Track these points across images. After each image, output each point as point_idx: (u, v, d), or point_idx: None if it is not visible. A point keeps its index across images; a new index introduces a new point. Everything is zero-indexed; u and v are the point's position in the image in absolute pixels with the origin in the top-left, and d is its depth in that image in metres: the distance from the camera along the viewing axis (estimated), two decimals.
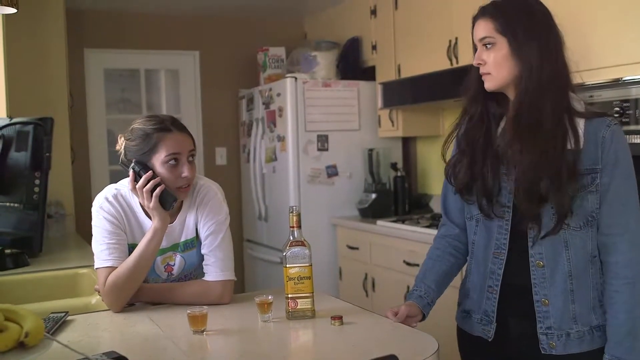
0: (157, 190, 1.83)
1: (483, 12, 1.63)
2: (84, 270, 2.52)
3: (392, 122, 4.16)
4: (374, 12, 4.27)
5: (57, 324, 1.67)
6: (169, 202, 1.85)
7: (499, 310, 1.67)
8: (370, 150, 4.24)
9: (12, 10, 2.71)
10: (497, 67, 1.60)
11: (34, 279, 2.46)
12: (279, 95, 4.27)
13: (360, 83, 4.36)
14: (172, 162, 1.85)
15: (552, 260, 1.59)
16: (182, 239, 1.97)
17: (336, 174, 4.30)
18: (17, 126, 2.51)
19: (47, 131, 2.42)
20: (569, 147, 1.54)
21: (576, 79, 1.64)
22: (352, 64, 4.44)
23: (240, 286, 4.83)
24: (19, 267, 2.54)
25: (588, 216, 1.57)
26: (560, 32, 1.60)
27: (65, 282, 2.48)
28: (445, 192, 1.84)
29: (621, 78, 2.46)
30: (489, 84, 1.63)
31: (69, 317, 1.76)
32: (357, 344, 1.54)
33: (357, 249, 3.98)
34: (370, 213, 4.06)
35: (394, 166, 4.23)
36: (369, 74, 4.35)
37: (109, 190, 1.94)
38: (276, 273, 4.26)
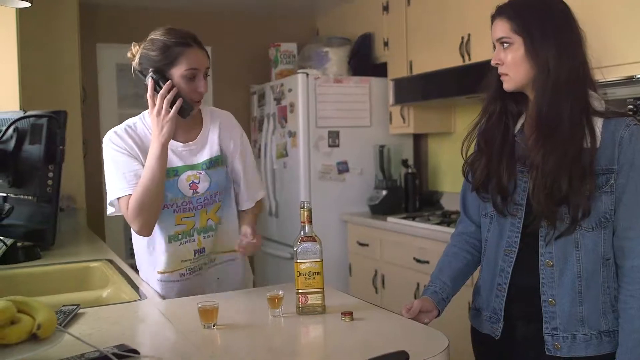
0: (178, 102, 1.87)
1: (500, 12, 1.62)
2: (95, 264, 2.53)
3: (404, 118, 4.15)
4: (386, 8, 4.26)
5: (68, 316, 1.67)
6: (187, 111, 1.90)
7: (507, 309, 1.67)
8: (381, 146, 4.24)
9: (26, 5, 2.72)
10: (514, 67, 1.59)
11: (46, 272, 2.47)
12: (290, 91, 4.27)
13: (372, 79, 4.36)
14: (190, 76, 1.90)
15: (561, 260, 1.57)
16: (207, 157, 2.01)
17: (347, 170, 4.30)
18: (31, 119, 2.51)
19: (61, 124, 2.43)
20: (585, 146, 1.53)
21: (597, 75, 1.62)
22: (364, 60, 4.44)
23: None
24: (31, 260, 2.56)
25: (601, 217, 1.55)
26: (580, 30, 1.58)
27: (77, 275, 2.49)
28: (465, 189, 1.84)
29: (635, 75, 2.45)
30: (507, 85, 1.62)
31: (80, 310, 1.77)
32: (367, 339, 1.54)
33: (367, 245, 3.98)
34: (381, 210, 4.06)
35: (404, 163, 4.23)
36: (380, 70, 4.34)
37: (118, 126, 1.99)
38: (287, 268, 4.26)
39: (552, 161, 1.53)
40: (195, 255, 2.03)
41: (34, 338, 1.28)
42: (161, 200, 1.90)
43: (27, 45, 3.37)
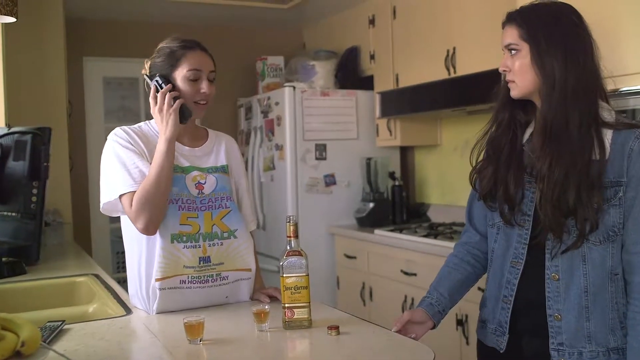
0: (178, 101, 1.88)
1: (509, 19, 1.61)
2: (81, 279, 2.52)
3: (390, 131, 4.17)
4: (372, 21, 4.29)
5: (53, 333, 1.66)
6: (184, 116, 1.90)
7: (513, 322, 1.64)
8: (368, 159, 4.25)
9: (12, 20, 2.73)
10: (521, 75, 1.58)
11: (31, 288, 2.45)
12: (277, 104, 4.28)
13: (359, 92, 4.38)
14: (193, 77, 1.91)
15: (568, 274, 1.54)
16: (212, 164, 2.01)
17: (334, 183, 4.30)
18: (15, 135, 2.51)
19: (45, 141, 2.43)
20: (593, 157, 1.50)
21: (609, 85, 1.60)
22: (351, 74, 4.46)
23: None
24: (16, 275, 2.54)
25: (609, 231, 1.51)
26: (592, 41, 1.56)
27: (62, 291, 2.47)
28: (472, 199, 1.82)
29: (618, 89, 2.47)
30: (514, 92, 1.61)
31: (66, 326, 1.76)
32: (353, 354, 1.54)
33: (354, 258, 3.98)
34: (368, 222, 4.07)
35: (391, 175, 4.24)
36: (367, 83, 4.37)
37: (122, 126, 1.98)
38: (274, 282, 4.24)
39: (559, 172, 1.50)
40: (200, 263, 1.91)
41: (17, 355, 1.27)
42: (167, 197, 1.85)
43: (13, 60, 3.37)
